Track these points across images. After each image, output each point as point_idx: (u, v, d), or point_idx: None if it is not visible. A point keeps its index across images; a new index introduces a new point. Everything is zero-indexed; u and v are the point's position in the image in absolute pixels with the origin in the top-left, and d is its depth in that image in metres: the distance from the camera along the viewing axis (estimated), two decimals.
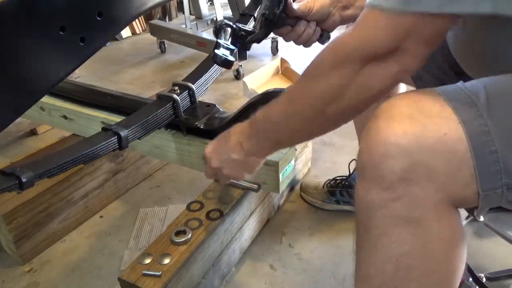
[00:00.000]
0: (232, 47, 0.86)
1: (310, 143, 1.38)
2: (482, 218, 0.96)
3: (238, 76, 2.25)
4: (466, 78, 0.62)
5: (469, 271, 0.88)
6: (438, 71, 0.78)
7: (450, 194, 0.48)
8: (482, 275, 0.88)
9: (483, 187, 0.47)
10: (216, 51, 0.82)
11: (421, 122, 0.48)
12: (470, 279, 0.87)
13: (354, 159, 1.20)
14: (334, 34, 0.79)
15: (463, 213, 0.65)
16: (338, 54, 0.54)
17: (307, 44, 0.87)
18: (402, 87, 1.00)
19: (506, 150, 0.46)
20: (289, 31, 0.84)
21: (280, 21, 0.82)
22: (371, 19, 0.51)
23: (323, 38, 0.88)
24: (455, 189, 0.48)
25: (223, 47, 0.84)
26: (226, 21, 0.87)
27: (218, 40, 0.85)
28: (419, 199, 0.48)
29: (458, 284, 0.54)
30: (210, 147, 0.78)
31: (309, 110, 0.58)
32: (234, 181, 0.97)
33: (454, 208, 0.51)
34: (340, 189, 1.19)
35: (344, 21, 0.87)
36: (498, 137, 0.46)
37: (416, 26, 0.48)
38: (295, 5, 0.80)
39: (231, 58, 0.85)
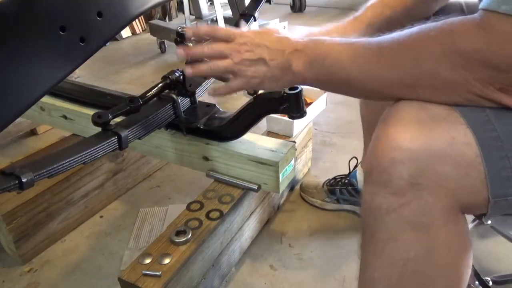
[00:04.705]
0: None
1: (310, 143, 1.38)
2: (489, 222, 0.96)
3: None
4: None
5: (475, 274, 0.87)
6: None
7: (459, 199, 0.48)
8: (489, 278, 0.88)
9: (493, 194, 0.47)
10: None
11: (429, 126, 0.47)
12: (477, 282, 0.87)
13: (354, 157, 1.20)
14: None
15: (469, 217, 0.64)
16: (454, 49, 0.45)
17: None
18: None
19: None
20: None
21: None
22: (498, 28, 0.41)
23: None
24: (464, 195, 0.47)
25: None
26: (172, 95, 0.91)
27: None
28: (428, 205, 0.47)
29: None
30: (247, 36, 0.64)
31: (401, 84, 0.50)
32: (234, 181, 0.97)
33: (462, 214, 0.51)
34: (340, 187, 1.19)
35: None
36: (508, 142, 0.45)
37: None
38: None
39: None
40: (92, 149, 0.72)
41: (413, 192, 0.47)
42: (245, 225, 1.03)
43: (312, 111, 1.30)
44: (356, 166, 1.20)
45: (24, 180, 0.60)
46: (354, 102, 1.93)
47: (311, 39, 0.60)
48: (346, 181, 1.20)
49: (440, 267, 0.50)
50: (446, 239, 0.49)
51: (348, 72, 0.54)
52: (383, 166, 0.48)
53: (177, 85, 0.88)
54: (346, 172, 1.22)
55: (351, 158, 1.20)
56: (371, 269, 0.54)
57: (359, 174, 1.16)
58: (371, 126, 1.06)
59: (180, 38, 0.85)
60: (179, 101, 0.92)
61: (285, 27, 2.62)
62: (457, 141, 0.46)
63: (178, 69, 0.89)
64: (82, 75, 2.26)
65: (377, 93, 0.54)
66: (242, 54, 0.63)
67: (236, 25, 0.90)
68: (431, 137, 0.46)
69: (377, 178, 0.49)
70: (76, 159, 0.69)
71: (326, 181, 1.25)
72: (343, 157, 1.49)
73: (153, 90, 0.85)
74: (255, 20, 1.17)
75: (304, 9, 3.87)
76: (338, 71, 0.55)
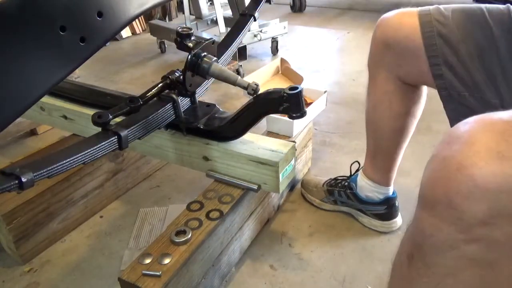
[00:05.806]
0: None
1: (310, 143, 1.38)
2: None
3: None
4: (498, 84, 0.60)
5: None
6: (463, 71, 0.74)
7: None
8: None
9: None
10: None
11: None
12: None
13: (357, 161, 1.19)
14: None
15: None
16: None
17: None
18: (424, 89, 0.97)
19: None
20: None
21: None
22: None
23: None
24: None
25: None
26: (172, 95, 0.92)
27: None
28: (498, 243, 0.44)
29: None
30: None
31: None
32: (234, 181, 0.97)
33: None
34: (339, 189, 1.19)
35: None
36: None
37: None
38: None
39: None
40: (92, 149, 0.72)
41: (484, 231, 0.44)
42: (245, 225, 1.03)
43: (312, 111, 1.30)
44: (357, 170, 1.19)
45: (24, 180, 0.60)
46: (353, 103, 1.94)
47: None
48: (346, 183, 1.19)
49: None
50: (509, 274, 0.46)
51: None
52: (453, 201, 0.44)
53: (177, 85, 0.88)
54: (346, 172, 1.22)
55: (353, 162, 1.20)
56: None
57: (359, 179, 1.15)
58: (378, 132, 1.05)
59: (180, 38, 0.85)
60: (179, 101, 0.92)
61: (285, 27, 2.62)
62: None
63: (178, 69, 0.89)
64: (82, 75, 2.26)
65: None
66: None
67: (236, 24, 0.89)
68: None
69: (444, 213, 0.45)
70: (76, 159, 0.69)
71: (327, 180, 1.24)
72: (343, 157, 1.49)
73: (153, 90, 0.85)
74: (255, 20, 1.18)
75: (304, 9, 3.88)
76: None
